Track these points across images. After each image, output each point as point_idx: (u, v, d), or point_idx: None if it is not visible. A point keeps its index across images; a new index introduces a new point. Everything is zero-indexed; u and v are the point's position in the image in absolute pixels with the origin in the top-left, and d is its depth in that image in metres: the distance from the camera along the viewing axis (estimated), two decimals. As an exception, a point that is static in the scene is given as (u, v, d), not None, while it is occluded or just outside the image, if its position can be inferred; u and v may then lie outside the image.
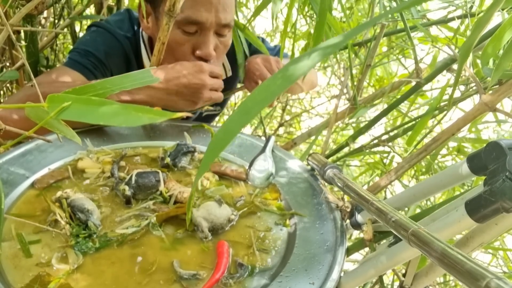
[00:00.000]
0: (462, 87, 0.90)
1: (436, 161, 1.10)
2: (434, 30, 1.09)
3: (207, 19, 0.81)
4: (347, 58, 1.09)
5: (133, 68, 0.94)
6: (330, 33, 0.81)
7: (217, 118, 1.42)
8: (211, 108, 0.86)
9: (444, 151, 1.12)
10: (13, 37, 0.52)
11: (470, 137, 0.99)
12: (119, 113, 0.34)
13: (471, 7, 0.90)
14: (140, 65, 0.95)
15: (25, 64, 0.50)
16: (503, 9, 0.80)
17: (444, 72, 0.84)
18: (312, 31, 1.46)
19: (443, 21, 0.97)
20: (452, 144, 1.07)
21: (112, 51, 0.91)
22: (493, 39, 0.52)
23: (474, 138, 0.99)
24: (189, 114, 0.34)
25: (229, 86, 1.06)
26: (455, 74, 0.60)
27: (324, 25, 0.66)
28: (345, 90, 1.01)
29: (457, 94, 0.92)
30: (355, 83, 0.97)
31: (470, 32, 0.49)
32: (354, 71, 0.99)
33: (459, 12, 0.95)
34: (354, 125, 1.41)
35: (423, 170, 1.13)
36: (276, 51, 1.13)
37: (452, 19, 0.95)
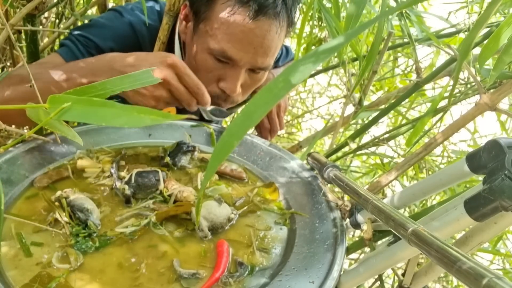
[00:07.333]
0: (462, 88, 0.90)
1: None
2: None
3: (241, 59, 0.75)
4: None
5: None
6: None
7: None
8: (214, 118, 0.85)
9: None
10: (13, 38, 0.52)
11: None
12: (121, 114, 0.34)
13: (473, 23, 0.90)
14: None
15: (25, 64, 0.50)
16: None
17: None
18: (315, 32, 1.47)
19: (447, 35, 0.98)
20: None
21: (120, 40, 0.83)
22: (491, 40, 0.52)
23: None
24: (193, 116, 0.34)
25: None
26: (455, 73, 0.60)
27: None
28: (351, 98, 1.01)
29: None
30: (362, 86, 0.98)
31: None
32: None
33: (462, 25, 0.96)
34: (355, 126, 1.41)
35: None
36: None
37: (458, 31, 0.95)
